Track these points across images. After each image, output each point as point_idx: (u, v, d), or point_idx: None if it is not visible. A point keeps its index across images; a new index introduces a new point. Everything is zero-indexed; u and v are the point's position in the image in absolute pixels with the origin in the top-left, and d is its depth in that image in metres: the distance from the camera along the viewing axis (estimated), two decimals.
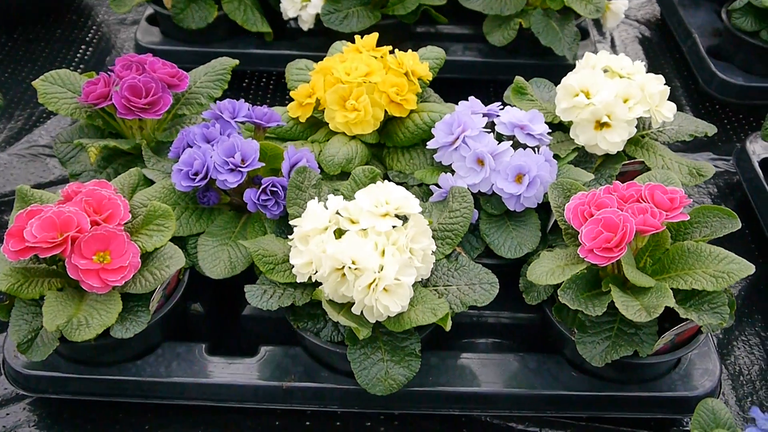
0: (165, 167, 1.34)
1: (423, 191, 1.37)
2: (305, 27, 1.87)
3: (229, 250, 1.26)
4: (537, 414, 1.25)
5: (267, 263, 1.17)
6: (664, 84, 1.39)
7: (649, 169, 1.39)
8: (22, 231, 1.08)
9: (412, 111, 1.42)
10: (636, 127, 1.39)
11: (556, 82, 1.46)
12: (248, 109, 1.35)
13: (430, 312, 1.11)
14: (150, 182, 1.32)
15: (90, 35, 2.21)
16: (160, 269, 1.15)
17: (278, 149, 1.28)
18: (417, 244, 1.13)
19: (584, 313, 1.12)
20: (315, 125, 1.46)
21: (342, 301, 1.13)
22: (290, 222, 1.18)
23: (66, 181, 1.70)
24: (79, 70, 2.03)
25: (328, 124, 1.41)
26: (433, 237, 1.18)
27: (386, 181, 1.19)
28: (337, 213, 1.14)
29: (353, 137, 1.41)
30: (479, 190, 1.29)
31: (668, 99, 1.40)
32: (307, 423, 1.28)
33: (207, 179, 1.23)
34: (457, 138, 1.30)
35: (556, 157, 1.37)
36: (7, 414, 1.28)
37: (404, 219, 1.15)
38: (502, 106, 1.39)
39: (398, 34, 1.91)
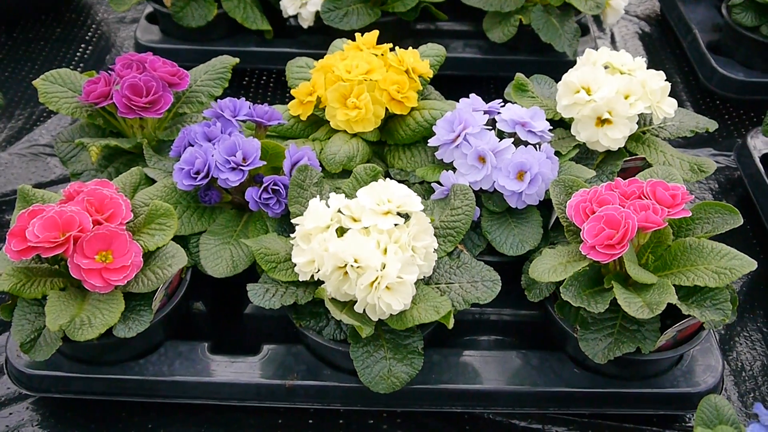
0: (166, 166, 1.34)
1: (424, 189, 1.37)
2: (305, 25, 1.86)
3: (231, 248, 1.26)
4: (539, 411, 1.25)
5: (269, 262, 1.17)
6: (665, 80, 1.39)
7: (650, 166, 1.39)
8: (24, 231, 1.08)
9: (413, 109, 1.42)
10: (637, 123, 1.39)
11: (557, 79, 1.46)
12: (249, 108, 1.35)
13: (433, 310, 1.11)
14: (151, 181, 1.32)
15: (90, 34, 2.21)
16: (162, 268, 1.15)
17: (279, 147, 1.28)
18: (419, 242, 1.13)
19: (586, 310, 1.12)
20: (316, 123, 1.46)
21: (344, 299, 1.13)
22: (292, 220, 1.18)
23: (67, 181, 1.71)
24: (78, 69, 2.03)
25: (329, 122, 1.41)
26: (435, 235, 1.18)
27: (388, 179, 1.19)
28: (339, 211, 1.14)
29: (354, 135, 1.41)
30: (481, 188, 1.29)
31: (669, 95, 1.40)
32: (310, 421, 1.28)
33: (208, 178, 1.22)
34: (459, 135, 1.30)
35: (557, 154, 1.37)
36: (10, 413, 1.29)
37: (406, 217, 1.15)
38: (503, 103, 1.39)
39: (398, 32, 1.91)
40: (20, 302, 1.15)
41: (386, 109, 1.40)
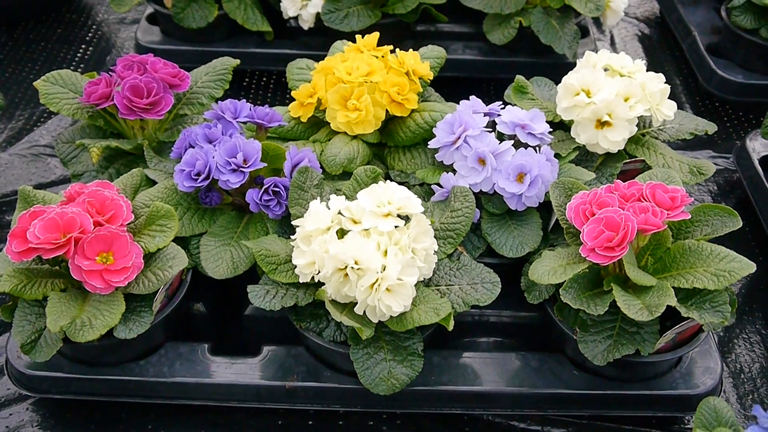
0: (167, 167, 1.34)
1: (424, 191, 1.37)
2: (305, 26, 1.87)
3: (231, 250, 1.26)
4: (539, 413, 1.26)
5: (269, 263, 1.17)
6: (664, 82, 1.40)
7: (649, 168, 1.39)
8: (25, 232, 1.09)
9: (413, 110, 1.42)
10: (636, 125, 1.39)
11: (556, 80, 1.46)
12: (250, 109, 1.35)
13: (433, 311, 1.11)
14: (152, 182, 1.32)
15: (90, 35, 2.21)
16: (163, 270, 1.15)
17: (280, 149, 1.28)
18: (419, 244, 1.14)
19: (586, 312, 1.12)
20: (316, 125, 1.46)
21: (345, 301, 1.13)
22: (293, 222, 1.19)
23: (67, 181, 1.71)
24: (79, 70, 2.04)
25: (329, 123, 1.41)
26: (435, 237, 1.18)
27: (388, 180, 1.19)
28: (340, 213, 1.14)
29: (355, 137, 1.41)
30: (481, 190, 1.30)
31: (668, 97, 1.40)
32: (310, 422, 1.29)
33: (209, 180, 1.23)
34: (459, 137, 1.30)
35: (557, 156, 1.37)
36: (11, 414, 1.29)
37: (406, 219, 1.15)
38: (503, 105, 1.39)
39: (398, 33, 1.91)
40: (21, 303, 1.16)
41: (387, 111, 1.40)
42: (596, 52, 1.46)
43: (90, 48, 2.16)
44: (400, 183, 1.32)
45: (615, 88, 1.35)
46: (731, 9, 1.92)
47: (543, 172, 1.27)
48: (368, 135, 1.41)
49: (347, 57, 1.44)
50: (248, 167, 1.23)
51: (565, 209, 1.19)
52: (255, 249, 1.18)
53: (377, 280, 1.08)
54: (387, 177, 1.41)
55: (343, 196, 1.18)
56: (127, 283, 1.12)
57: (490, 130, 1.34)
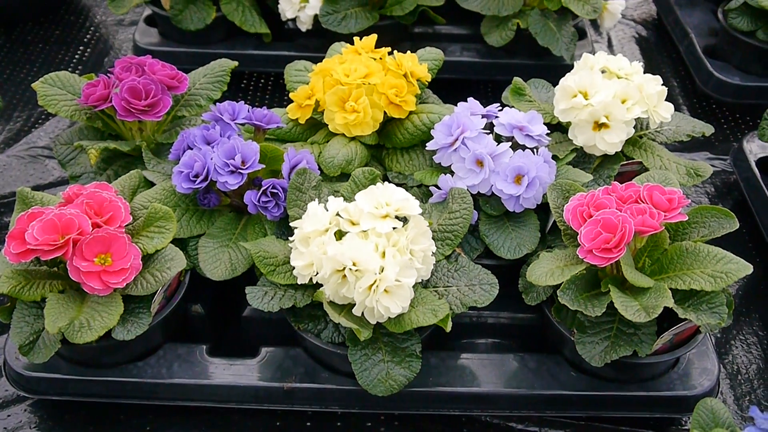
0: (165, 169, 1.34)
1: (422, 192, 1.37)
2: (303, 28, 1.87)
3: (229, 251, 1.26)
4: (536, 414, 1.26)
5: (268, 265, 1.17)
6: (661, 84, 1.40)
7: (647, 170, 1.40)
8: (23, 233, 1.09)
9: (411, 112, 1.42)
10: (634, 127, 1.39)
11: (554, 82, 1.47)
12: (248, 111, 1.36)
13: (431, 313, 1.12)
14: (150, 184, 1.32)
15: (88, 36, 2.21)
16: (161, 271, 1.15)
17: (278, 151, 1.29)
18: (417, 246, 1.14)
19: (583, 313, 1.12)
20: (314, 126, 1.46)
21: (343, 302, 1.13)
22: (291, 224, 1.19)
23: (65, 183, 1.71)
24: (77, 72, 2.04)
25: (327, 125, 1.42)
26: (433, 238, 1.18)
27: (386, 182, 1.20)
28: (338, 215, 1.14)
29: (353, 138, 1.41)
30: (478, 191, 1.30)
31: (665, 99, 1.40)
32: (308, 424, 1.29)
33: (207, 181, 1.23)
34: (457, 139, 1.30)
35: (554, 157, 1.38)
36: (8, 416, 1.29)
37: (404, 220, 1.15)
38: (500, 107, 1.39)
39: (396, 35, 1.92)
40: (19, 304, 1.16)
41: (384, 112, 1.40)
42: (594, 54, 1.46)
43: (88, 50, 2.16)
44: (398, 184, 1.32)
45: (612, 90, 1.35)
46: (728, 11, 1.93)
47: (541, 173, 1.28)
48: (366, 137, 1.41)
49: (345, 59, 1.44)
50: (246, 169, 1.23)
51: (562, 211, 1.20)
52: (253, 250, 1.18)
53: (375, 281, 1.08)
54: (385, 178, 1.41)
55: (341, 198, 1.18)
56: (125, 284, 1.12)
57: (488, 131, 1.34)
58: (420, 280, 1.18)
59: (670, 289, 1.11)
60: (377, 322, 1.13)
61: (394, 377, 1.14)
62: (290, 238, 1.17)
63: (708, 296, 1.13)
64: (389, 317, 1.12)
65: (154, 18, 1.99)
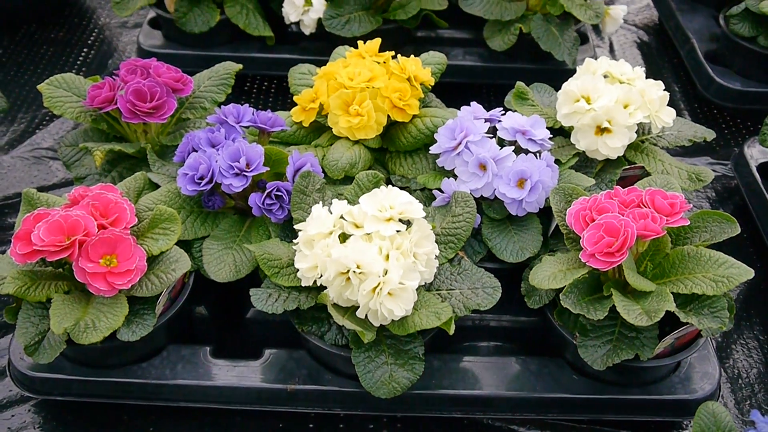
0: (169, 171, 1.35)
1: (425, 196, 1.38)
2: (307, 31, 1.88)
3: (233, 253, 1.27)
4: (538, 417, 1.26)
5: (272, 267, 1.18)
6: (663, 89, 1.41)
7: (649, 174, 1.40)
8: (29, 234, 1.09)
9: (414, 116, 1.43)
10: (636, 132, 1.40)
11: (556, 87, 1.47)
12: (252, 114, 1.36)
13: (434, 316, 1.12)
14: (155, 186, 1.33)
15: (92, 38, 2.22)
16: (166, 272, 1.16)
17: (282, 154, 1.29)
18: (421, 249, 1.15)
19: (586, 317, 1.13)
20: (318, 130, 1.47)
21: (347, 304, 1.14)
22: (295, 226, 1.19)
23: (69, 184, 1.72)
24: (81, 73, 2.05)
25: (331, 128, 1.42)
26: (436, 241, 1.19)
27: (389, 185, 1.20)
28: (342, 217, 1.15)
29: (356, 142, 1.42)
30: (481, 195, 1.31)
31: (667, 104, 1.41)
32: (311, 425, 1.29)
33: (212, 183, 1.24)
34: (460, 143, 1.31)
35: (557, 162, 1.38)
36: (12, 416, 1.29)
37: (408, 223, 1.16)
38: (503, 111, 1.40)
39: (399, 39, 1.93)
40: (25, 305, 1.16)
41: (388, 116, 1.41)
42: (596, 59, 1.47)
43: (92, 51, 2.17)
44: (401, 188, 1.33)
45: (615, 95, 1.36)
46: (729, 17, 1.94)
47: (543, 177, 1.28)
48: (370, 140, 1.42)
49: (349, 62, 1.45)
50: (251, 171, 1.24)
51: (565, 215, 1.20)
52: (257, 252, 1.18)
53: (379, 284, 1.08)
54: (388, 182, 1.42)
55: (345, 201, 1.19)
56: (130, 285, 1.12)
57: (491, 135, 1.35)
58: (423, 283, 1.19)
59: (672, 293, 1.12)
60: (381, 325, 1.13)
61: (397, 379, 1.14)
62: (294, 241, 1.17)
63: (709, 300, 1.13)
64: (393, 320, 1.12)
65: (158, 20, 2.00)
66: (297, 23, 1.90)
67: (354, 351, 1.15)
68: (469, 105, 1.41)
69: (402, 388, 1.14)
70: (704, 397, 1.22)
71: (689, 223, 1.20)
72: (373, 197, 1.15)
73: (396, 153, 1.45)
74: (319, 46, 1.91)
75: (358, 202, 1.16)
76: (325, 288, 1.13)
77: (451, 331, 1.12)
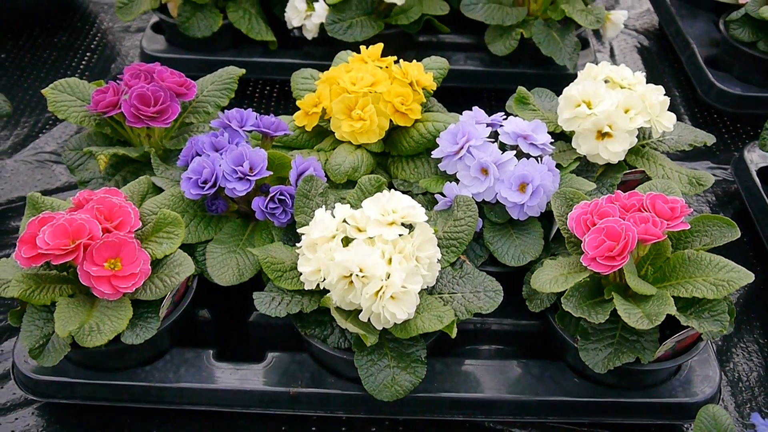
0: (173, 175, 1.36)
1: (427, 200, 1.39)
2: (309, 36, 1.88)
3: (237, 257, 1.27)
4: (540, 420, 1.27)
5: (275, 270, 1.19)
6: (664, 94, 1.42)
7: (649, 179, 1.41)
8: (34, 238, 1.10)
9: (416, 120, 1.44)
10: (637, 136, 1.41)
11: (557, 91, 1.48)
12: (256, 118, 1.37)
13: (436, 319, 1.13)
14: (158, 190, 1.33)
15: (95, 42, 2.22)
16: (170, 276, 1.17)
17: (285, 158, 1.30)
18: (423, 253, 1.15)
19: (587, 320, 1.14)
20: (321, 134, 1.48)
21: (349, 308, 1.15)
22: (298, 230, 1.20)
23: (72, 188, 1.72)
24: (84, 77, 2.06)
25: (334, 133, 1.43)
26: (438, 245, 1.19)
27: (392, 189, 1.21)
28: (345, 221, 1.16)
29: (359, 146, 1.43)
30: (483, 199, 1.31)
31: (667, 109, 1.42)
32: (313, 428, 1.30)
33: (216, 187, 1.24)
34: (462, 148, 1.32)
35: (558, 166, 1.39)
36: (16, 419, 1.30)
37: (410, 227, 1.17)
38: (505, 116, 1.41)
39: (401, 44, 1.94)
40: (29, 308, 1.17)
41: (390, 120, 1.42)
42: (596, 64, 1.48)
43: (95, 56, 2.17)
44: (403, 192, 1.33)
45: (615, 100, 1.37)
46: (729, 22, 1.94)
47: (545, 182, 1.29)
48: (372, 144, 1.43)
49: (352, 67, 1.46)
50: (254, 175, 1.25)
51: (566, 219, 1.21)
52: (261, 256, 1.19)
53: (382, 287, 1.09)
54: (390, 186, 1.42)
55: (348, 205, 1.20)
56: (134, 289, 1.13)
57: (493, 140, 1.36)
58: (425, 287, 1.19)
59: (673, 296, 1.13)
60: (383, 328, 1.14)
61: (400, 383, 1.15)
62: (297, 245, 1.18)
63: (710, 304, 1.14)
64: (395, 323, 1.13)
65: (161, 25, 2.01)
66: (299, 28, 1.91)
67: (356, 354, 1.16)
68: (471, 109, 1.42)
69: (404, 391, 1.15)
70: (705, 400, 1.23)
71: (690, 227, 1.20)
72: (376, 201, 1.16)
73: (398, 157, 1.46)
74: (322, 50, 1.92)
75: (361, 206, 1.17)
76: (328, 291, 1.14)
77: (453, 335, 1.12)
